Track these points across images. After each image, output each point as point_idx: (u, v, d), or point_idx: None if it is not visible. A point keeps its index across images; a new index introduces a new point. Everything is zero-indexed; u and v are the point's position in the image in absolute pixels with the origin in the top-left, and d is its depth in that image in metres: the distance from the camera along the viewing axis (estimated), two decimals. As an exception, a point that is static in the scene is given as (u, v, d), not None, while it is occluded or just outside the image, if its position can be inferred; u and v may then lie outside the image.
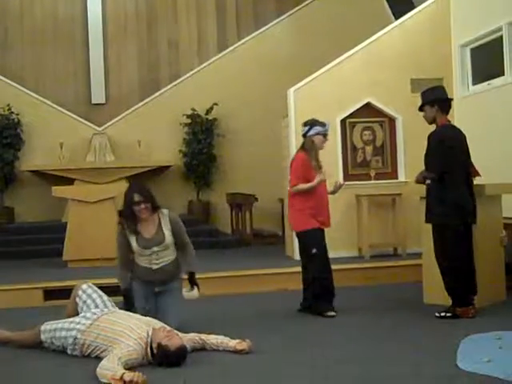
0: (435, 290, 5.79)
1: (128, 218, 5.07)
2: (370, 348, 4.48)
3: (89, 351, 4.37)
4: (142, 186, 5.24)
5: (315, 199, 5.64)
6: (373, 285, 7.01)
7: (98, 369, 3.89)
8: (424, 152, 5.45)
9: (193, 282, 5.14)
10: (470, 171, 5.52)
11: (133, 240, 5.07)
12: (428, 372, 3.85)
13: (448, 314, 5.33)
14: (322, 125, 5.71)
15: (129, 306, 5.00)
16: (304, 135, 5.77)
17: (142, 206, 5.00)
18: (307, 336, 4.95)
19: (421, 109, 5.57)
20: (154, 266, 5.08)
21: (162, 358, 4.13)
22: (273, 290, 6.82)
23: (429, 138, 5.42)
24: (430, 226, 5.51)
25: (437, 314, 5.37)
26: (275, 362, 4.20)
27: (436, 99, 5.46)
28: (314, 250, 5.59)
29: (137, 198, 5.01)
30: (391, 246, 8.38)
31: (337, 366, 4.05)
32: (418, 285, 6.14)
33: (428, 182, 5.44)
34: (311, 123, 5.74)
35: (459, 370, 3.85)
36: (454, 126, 5.63)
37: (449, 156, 5.31)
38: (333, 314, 5.56)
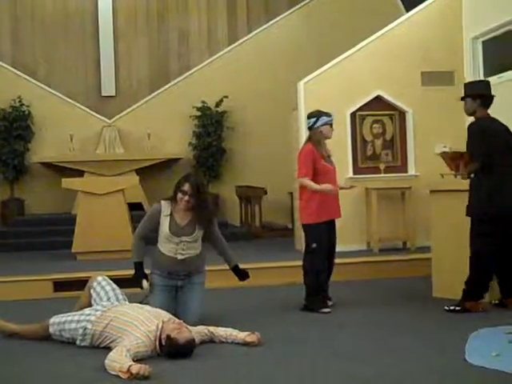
0: (444, 284, 5.78)
1: (172, 198, 5.05)
2: (378, 342, 4.47)
3: (99, 341, 4.39)
4: (200, 182, 5.12)
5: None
6: (381, 278, 6.98)
7: (106, 360, 3.91)
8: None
9: (241, 271, 5.27)
10: None
11: (165, 222, 5.00)
12: (436, 366, 3.84)
13: (457, 308, 5.31)
14: (328, 115, 5.72)
15: (136, 279, 5.00)
16: (310, 127, 5.74)
17: (186, 197, 4.95)
18: (316, 330, 4.94)
19: (463, 98, 5.53)
20: (179, 257, 4.99)
21: (171, 350, 4.14)
22: (281, 283, 6.82)
23: (468, 129, 5.36)
24: (439, 220, 5.49)
25: (446, 308, 5.35)
26: (284, 355, 4.20)
27: (479, 94, 5.41)
28: (314, 245, 5.56)
29: (186, 187, 4.96)
30: (400, 239, 8.36)
31: (345, 361, 4.04)
32: (427, 279, 6.12)
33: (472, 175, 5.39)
34: (317, 114, 5.72)
35: (468, 364, 3.84)
36: (494, 118, 5.52)
37: (488, 145, 5.23)
38: (327, 310, 5.50)
